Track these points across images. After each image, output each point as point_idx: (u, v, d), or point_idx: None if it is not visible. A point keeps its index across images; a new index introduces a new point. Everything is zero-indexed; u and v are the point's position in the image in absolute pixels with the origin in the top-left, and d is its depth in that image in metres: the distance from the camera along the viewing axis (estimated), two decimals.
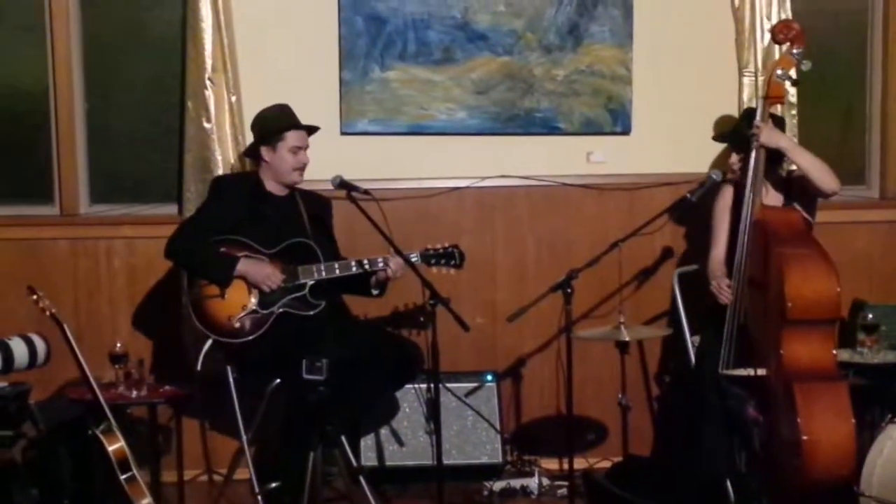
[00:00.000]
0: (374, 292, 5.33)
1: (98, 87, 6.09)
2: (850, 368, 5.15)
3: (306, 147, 5.33)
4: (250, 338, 5.14)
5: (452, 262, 5.26)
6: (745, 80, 6.00)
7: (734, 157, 5.39)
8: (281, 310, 5.17)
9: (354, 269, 5.21)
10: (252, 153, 5.41)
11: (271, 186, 5.35)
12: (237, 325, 5.15)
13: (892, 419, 4.82)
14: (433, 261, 5.23)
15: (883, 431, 4.80)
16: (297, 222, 5.31)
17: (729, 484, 4.90)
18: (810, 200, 5.31)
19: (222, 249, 5.17)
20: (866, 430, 4.95)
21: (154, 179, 6.13)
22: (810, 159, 5.17)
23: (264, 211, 5.29)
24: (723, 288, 5.09)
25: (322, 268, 5.20)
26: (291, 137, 5.29)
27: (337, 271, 5.20)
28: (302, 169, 5.32)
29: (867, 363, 5.25)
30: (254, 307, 5.17)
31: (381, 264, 5.19)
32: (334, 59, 5.93)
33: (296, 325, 5.15)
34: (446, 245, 5.26)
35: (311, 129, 5.38)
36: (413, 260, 5.11)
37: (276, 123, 5.30)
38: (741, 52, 6.01)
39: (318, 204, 5.46)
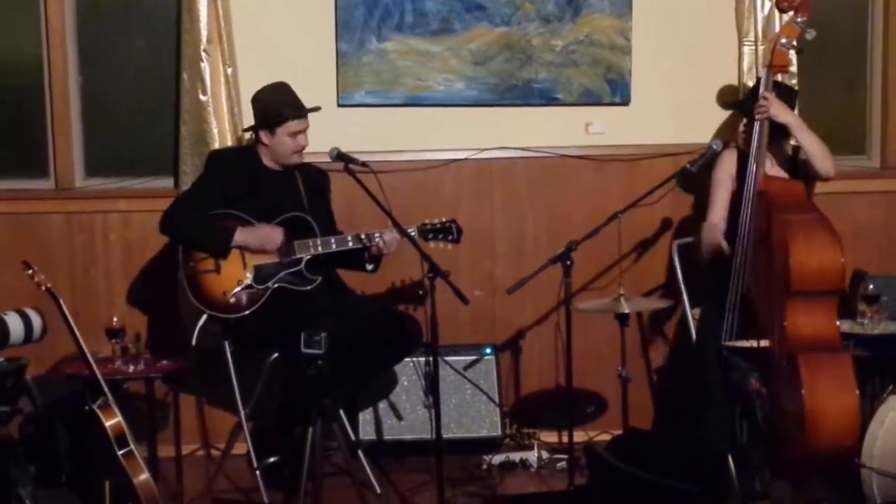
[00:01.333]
0: (368, 267, 5.30)
1: (93, 59, 6.04)
2: (850, 339, 5.13)
3: (306, 129, 5.27)
4: (245, 313, 5.12)
5: (450, 237, 5.23)
6: (746, 49, 5.96)
7: (743, 125, 5.38)
8: (276, 285, 5.14)
9: (351, 243, 5.18)
10: (251, 131, 5.37)
11: (268, 161, 5.31)
12: (232, 299, 5.12)
13: (893, 390, 4.82)
14: (430, 235, 5.19)
15: (884, 403, 4.79)
16: (294, 197, 5.28)
17: (730, 457, 4.88)
18: (810, 182, 5.28)
19: (218, 223, 5.14)
20: (867, 401, 4.93)
21: (150, 152, 6.09)
22: (814, 140, 5.16)
23: (261, 186, 5.25)
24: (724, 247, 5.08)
25: (318, 242, 5.17)
26: (292, 124, 5.22)
27: (333, 246, 5.17)
28: (300, 151, 5.27)
29: (868, 334, 5.22)
30: (249, 282, 5.14)
31: (377, 239, 5.16)
32: (331, 29, 5.89)
33: (292, 300, 5.12)
34: (444, 220, 5.23)
35: (313, 110, 5.32)
36: (410, 234, 5.07)
37: (277, 109, 5.22)
38: (741, 21, 5.97)
39: (316, 177, 5.42)
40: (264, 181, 5.27)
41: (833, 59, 6.23)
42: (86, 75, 6.04)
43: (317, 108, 5.31)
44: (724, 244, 5.12)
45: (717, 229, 5.28)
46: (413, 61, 5.93)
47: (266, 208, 5.19)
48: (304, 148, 5.27)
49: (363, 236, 5.17)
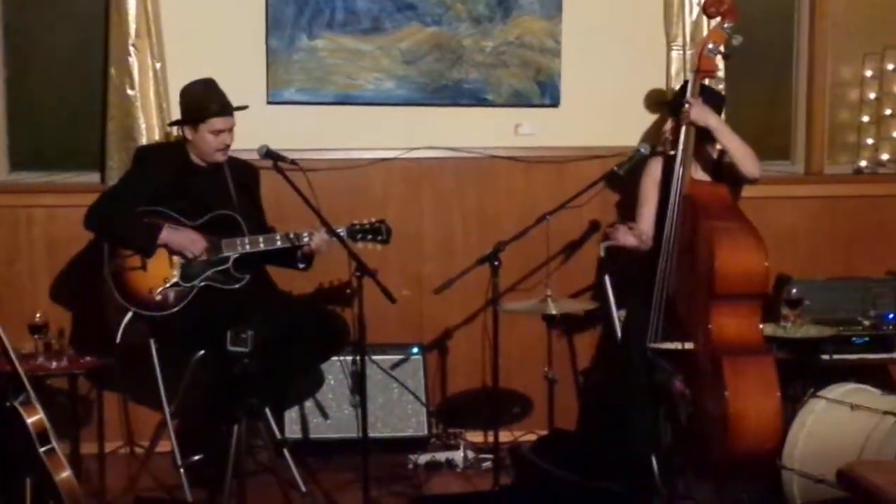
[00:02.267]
0: (300, 265, 5.28)
1: (18, 52, 5.97)
2: (773, 343, 5.18)
3: (231, 128, 5.22)
4: (171, 311, 5.08)
5: (379, 238, 5.23)
6: (674, 53, 6.02)
7: (669, 125, 5.41)
8: (203, 283, 5.11)
9: (279, 242, 5.16)
10: (177, 125, 5.33)
11: (196, 158, 5.26)
12: (158, 297, 5.09)
13: (815, 393, 4.88)
14: (359, 236, 5.19)
15: (805, 405, 4.85)
16: (223, 193, 5.24)
17: (654, 458, 4.92)
18: (737, 185, 5.31)
19: (145, 220, 5.10)
20: (788, 403, 4.98)
21: (76, 147, 6.03)
22: (737, 142, 5.18)
23: (189, 182, 5.21)
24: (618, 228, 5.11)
25: (246, 241, 5.14)
26: (216, 121, 5.17)
27: (261, 245, 5.15)
28: (224, 150, 5.23)
29: (790, 337, 5.29)
30: (175, 280, 5.11)
31: (306, 238, 5.15)
32: (261, 26, 5.86)
33: (219, 298, 5.10)
34: (373, 220, 5.23)
35: (239, 108, 5.28)
36: (339, 233, 5.06)
37: (202, 106, 5.17)
38: (669, 26, 6.02)
39: (245, 172, 5.38)
40: (192, 177, 5.23)
41: (759, 65, 6.29)
42: (10, 68, 5.97)
43: (243, 107, 5.28)
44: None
45: (645, 237, 5.33)
46: (343, 59, 5.92)
47: (194, 205, 5.16)
48: (227, 146, 5.22)
49: (292, 235, 5.15)
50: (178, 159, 5.24)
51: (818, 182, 6.30)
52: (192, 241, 5.10)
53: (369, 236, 5.21)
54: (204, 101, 5.17)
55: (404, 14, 5.93)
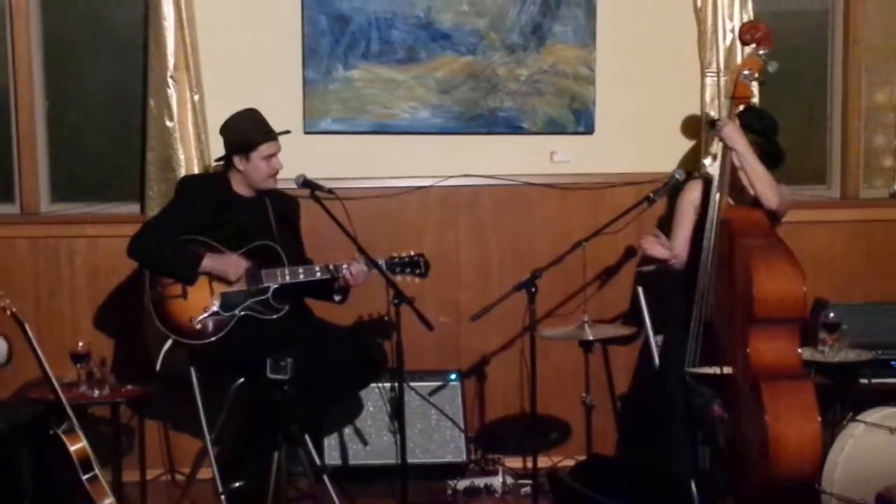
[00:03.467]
0: (336, 298, 5.30)
1: (59, 84, 6.04)
2: (811, 367, 5.18)
3: (279, 151, 5.27)
4: (211, 339, 5.11)
5: (417, 271, 5.24)
6: (708, 80, 6.02)
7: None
8: (243, 313, 5.15)
9: (319, 274, 5.18)
10: (224, 160, 5.37)
11: (239, 188, 5.30)
12: (198, 326, 5.12)
13: (853, 417, 4.86)
14: (398, 269, 5.20)
15: (844, 429, 4.84)
16: (263, 224, 5.28)
17: (693, 483, 4.91)
18: (774, 218, 5.29)
19: (187, 250, 5.14)
20: (827, 428, 4.97)
21: (116, 178, 6.09)
22: (759, 170, 5.14)
23: (231, 213, 5.25)
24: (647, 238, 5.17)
25: (286, 272, 5.17)
26: (265, 147, 5.22)
27: (301, 276, 5.18)
28: (275, 175, 5.28)
29: (828, 362, 5.28)
30: (216, 309, 5.14)
31: (345, 269, 5.17)
32: (297, 57, 5.92)
33: (258, 328, 5.12)
34: (412, 253, 5.24)
35: (283, 133, 5.33)
36: (376, 262, 5.09)
37: (248, 135, 5.22)
38: (703, 52, 6.03)
39: (286, 204, 5.42)
40: (234, 208, 5.27)
41: (794, 90, 6.30)
42: (52, 101, 6.04)
43: (286, 132, 5.33)
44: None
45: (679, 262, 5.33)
46: (379, 89, 5.96)
47: (235, 235, 5.19)
48: (278, 171, 5.27)
49: (331, 266, 5.18)
50: (220, 190, 5.29)
51: (854, 206, 6.30)
52: (232, 264, 5.13)
53: (408, 269, 5.22)
54: (250, 130, 5.23)
55: (439, 44, 5.97)
